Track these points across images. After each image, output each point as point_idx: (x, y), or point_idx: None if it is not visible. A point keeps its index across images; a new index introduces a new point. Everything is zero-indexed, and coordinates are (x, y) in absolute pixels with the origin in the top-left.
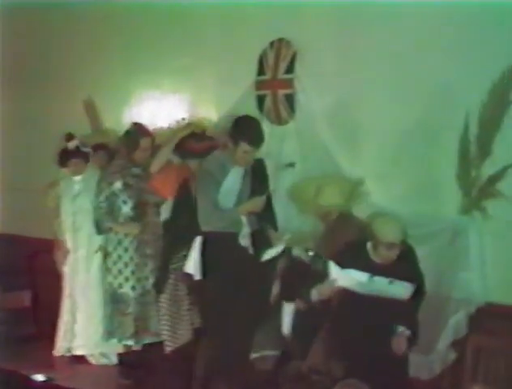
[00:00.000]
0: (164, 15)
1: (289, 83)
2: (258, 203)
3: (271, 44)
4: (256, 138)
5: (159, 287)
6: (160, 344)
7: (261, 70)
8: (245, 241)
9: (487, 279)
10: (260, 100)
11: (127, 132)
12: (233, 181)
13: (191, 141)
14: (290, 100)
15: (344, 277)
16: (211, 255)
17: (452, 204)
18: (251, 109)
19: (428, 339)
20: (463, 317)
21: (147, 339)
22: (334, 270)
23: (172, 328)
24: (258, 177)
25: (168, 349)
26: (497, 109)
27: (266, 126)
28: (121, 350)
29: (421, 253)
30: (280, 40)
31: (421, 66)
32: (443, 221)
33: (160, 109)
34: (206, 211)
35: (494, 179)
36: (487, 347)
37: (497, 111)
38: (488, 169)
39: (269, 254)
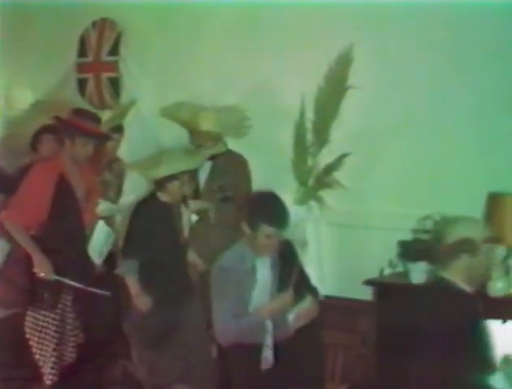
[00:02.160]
0: None
1: (113, 66)
2: (287, 299)
3: (94, 23)
4: (279, 217)
5: (53, 301)
6: None
7: (82, 52)
8: (267, 352)
9: (324, 272)
10: (82, 84)
11: None
12: (264, 277)
13: (79, 118)
14: (115, 83)
15: None
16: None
17: (288, 194)
18: (72, 93)
19: None
20: None
21: None
22: None
23: (59, 354)
24: (287, 265)
25: (49, 383)
26: (333, 94)
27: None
28: None
29: None
30: (103, 19)
31: (253, 52)
32: None
33: None
34: (223, 322)
35: (331, 168)
36: (327, 341)
37: (334, 97)
38: (325, 158)
39: None
